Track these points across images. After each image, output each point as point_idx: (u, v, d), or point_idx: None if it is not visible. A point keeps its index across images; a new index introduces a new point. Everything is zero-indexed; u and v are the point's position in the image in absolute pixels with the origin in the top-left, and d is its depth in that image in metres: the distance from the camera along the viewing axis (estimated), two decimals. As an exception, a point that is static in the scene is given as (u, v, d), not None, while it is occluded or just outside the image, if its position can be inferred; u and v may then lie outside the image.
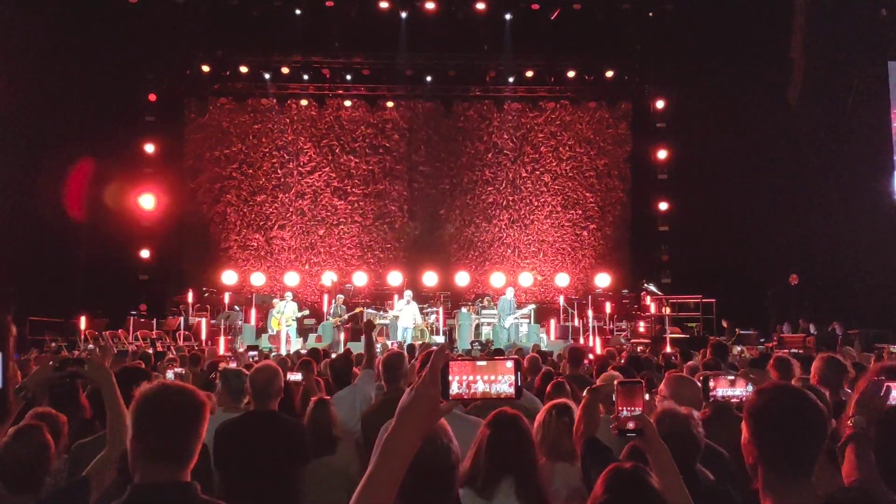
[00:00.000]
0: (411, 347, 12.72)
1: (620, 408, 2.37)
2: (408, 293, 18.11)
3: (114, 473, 2.87)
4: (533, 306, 18.67)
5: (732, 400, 3.35)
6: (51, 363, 2.90)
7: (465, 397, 1.59)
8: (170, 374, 5.93)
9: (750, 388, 3.19)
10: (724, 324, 18.06)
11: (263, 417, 4.21)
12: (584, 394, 3.41)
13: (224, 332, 17.57)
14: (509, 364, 1.60)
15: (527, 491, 2.91)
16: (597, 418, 3.25)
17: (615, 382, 2.46)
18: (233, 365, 7.19)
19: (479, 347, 15.11)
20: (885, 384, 2.55)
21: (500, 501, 2.86)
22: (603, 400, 3.46)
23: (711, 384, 3.32)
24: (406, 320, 17.48)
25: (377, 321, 18.22)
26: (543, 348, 14.22)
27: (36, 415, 3.57)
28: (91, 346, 15.12)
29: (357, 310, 18.28)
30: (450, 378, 1.57)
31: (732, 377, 3.34)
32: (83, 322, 16.62)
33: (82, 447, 3.60)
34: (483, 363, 1.61)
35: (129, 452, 2.17)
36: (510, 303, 18.00)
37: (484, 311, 18.42)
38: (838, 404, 3.88)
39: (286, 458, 4.13)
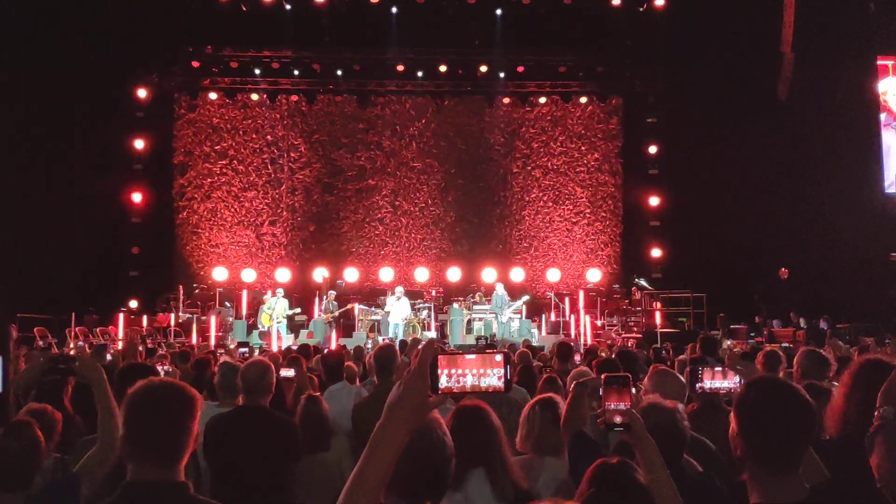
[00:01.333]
0: (403, 343, 12.73)
1: (608, 402, 2.37)
2: (399, 289, 18.11)
3: (108, 467, 2.85)
4: (527, 297, 18.66)
5: (720, 391, 3.34)
6: (41, 360, 2.89)
7: (455, 391, 1.59)
8: (160, 371, 5.90)
9: (737, 379, 3.19)
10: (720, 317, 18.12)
11: (253, 413, 4.18)
12: (571, 388, 3.42)
13: (215, 328, 17.53)
14: (498, 357, 1.61)
15: (500, 480, 2.88)
16: (583, 412, 3.25)
17: (602, 377, 2.46)
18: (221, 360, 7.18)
19: (485, 343, 15.05)
20: None
21: (472, 492, 2.84)
22: (590, 394, 3.46)
23: (699, 376, 3.31)
24: (397, 316, 17.49)
25: (370, 317, 18.24)
26: (534, 343, 14.25)
27: (30, 411, 3.55)
28: (81, 342, 15.05)
29: (349, 306, 18.28)
30: (439, 372, 1.57)
31: (720, 368, 3.33)
32: (73, 319, 16.54)
33: (88, 444, 3.57)
34: (472, 357, 1.61)
35: (122, 450, 2.17)
36: (503, 297, 18.01)
37: (476, 307, 18.43)
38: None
39: (276, 455, 4.11)
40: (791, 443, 2.13)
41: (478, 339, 16.11)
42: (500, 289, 18.31)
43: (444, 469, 2.23)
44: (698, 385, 3.32)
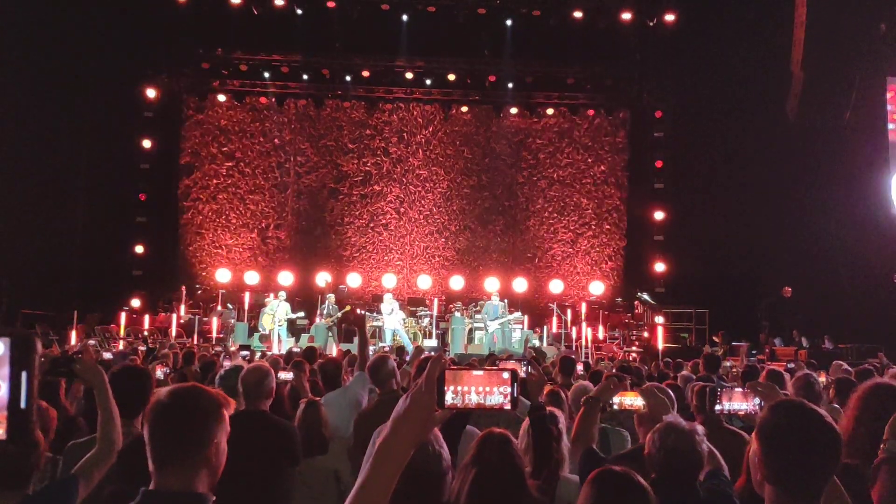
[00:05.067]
0: (401, 349, 12.71)
1: None
2: (388, 300, 17.92)
3: (106, 470, 2.84)
4: (518, 314, 18.45)
5: (739, 413, 3.29)
6: (42, 360, 2.87)
7: (460, 407, 1.58)
8: (158, 373, 5.89)
9: (757, 401, 3.15)
10: (716, 338, 18.06)
11: (252, 418, 4.18)
12: (582, 402, 3.39)
13: (216, 330, 17.52)
14: (505, 375, 1.59)
15: None
16: (594, 429, 3.21)
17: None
18: (227, 363, 7.17)
19: (533, 352, 14.67)
20: None
21: None
22: (601, 409, 3.44)
23: (718, 397, 3.28)
24: (392, 323, 17.49)
25: (372, 323, 18.17)
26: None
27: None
28: (93, 341, 15.04)
29: (346, 308, 18.16)
30: (445, 387, 1.56)
31: (740, 390, 3.29)
32: (75, 316, 16.55)
33: (77, 447, 3.57)
34: (479, 373, 1.59)
35: (147, 454, 2.13)
36: (496, 308, 17.90)
37: (477, 316, 18.36)
38: None
39: (274, 459, 4.11)
40: (815, 469, 2.08)
41: (531, 349, 15.84)
42: (495, 300, 18.21)
43: (438, 483, 2.20)
44: (718, 406, 3.27)
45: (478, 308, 18.62)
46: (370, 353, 6.82)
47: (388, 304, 17.79)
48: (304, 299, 19.72)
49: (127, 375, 3.73)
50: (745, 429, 3.98)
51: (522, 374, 3.82)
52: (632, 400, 3.50)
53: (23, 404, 1.33)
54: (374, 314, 18.51)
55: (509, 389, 1.58)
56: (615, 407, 3.51)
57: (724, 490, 2.92)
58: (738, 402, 3.23)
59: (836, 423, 3.01)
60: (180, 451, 2.11)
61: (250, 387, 4.24)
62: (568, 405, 4.99)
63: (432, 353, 7.84)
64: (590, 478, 2.26)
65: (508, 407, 1.58)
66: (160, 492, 2.09)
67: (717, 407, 3.26)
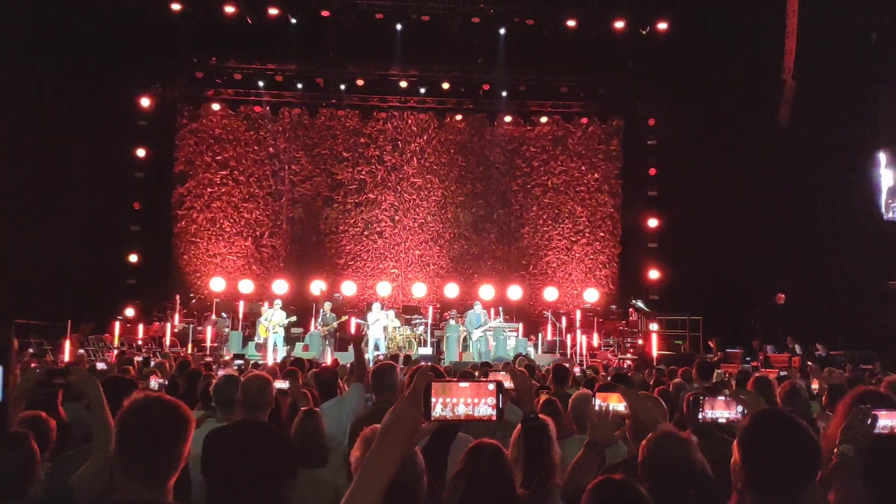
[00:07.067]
0: (395, 358, 12.70)
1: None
2: (377, 312, 17.92)
3: (103, 481, 2.85)
4: (499, 321, 18.38)
5: (720, 421, 3.30)
6: (38, 370, 2.89)
7: (448, 419, 1.60)
8: (153, 384, 5.87)
9: (740, 409, 3.16)
10: (712, 344, 18.10)
11: (252, 428, 4.17)
12: (584, 446, 3.36)
13: (211, 339, 17.49)
14: (491, 386, 1.62)
15: None
16: (590, 474, 3.18)
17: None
18: (221, 373, 7.16)
19: (526, 360, 14.40)
20: (872, 412, 2.55)
21: None
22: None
23: (701, 405, 3.28)
24: (376, 332, 17.46)
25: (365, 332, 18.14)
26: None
27: (24, 420, 3.54)
28: (82, 350, 14.99)
29: (343, 318, 18.16)
30: (433, 400, 1.58)
31: (724, 398, 3.29)
32: (69, 326, 16.49)
33: (67, 459, 3.57)
34: (465, 385, 1.63)
35: (113, 466, 2.13)
36: (478, 316, 17.88)
37: (461, 327, 18.25)
38: None
39: (272, 471, 4.10)
40: (793, 478, 2.11)
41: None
42: (477, 308, 18.19)
43: (412, 489, 2.22)
44: (701, 414, 3.28)
45: (461, 318, 18.51)
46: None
47: (374, 315, 17.76)
48: (299, 308, 19.68)
49: (113, 387, 3.73)
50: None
51: (508, 385, 3.80)
52: (613, 404, 3.49)
53: None
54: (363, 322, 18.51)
55: (495, 400, 1.61)
56: (597, 408, 3.49)
57: (711, 496, 2.94)
58: (720, 410, 3.23)
59: (827, 430, 3.05)
60: (153, 463, 2.10)
61: (251, 396, 4.20)
62: (566, 413, 4.99)
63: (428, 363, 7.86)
64: (590, 486, 2.28)
65: (495, 418, 1.61)
66: (128, 502, 2.08)
67: (700, 415, 3.26)
